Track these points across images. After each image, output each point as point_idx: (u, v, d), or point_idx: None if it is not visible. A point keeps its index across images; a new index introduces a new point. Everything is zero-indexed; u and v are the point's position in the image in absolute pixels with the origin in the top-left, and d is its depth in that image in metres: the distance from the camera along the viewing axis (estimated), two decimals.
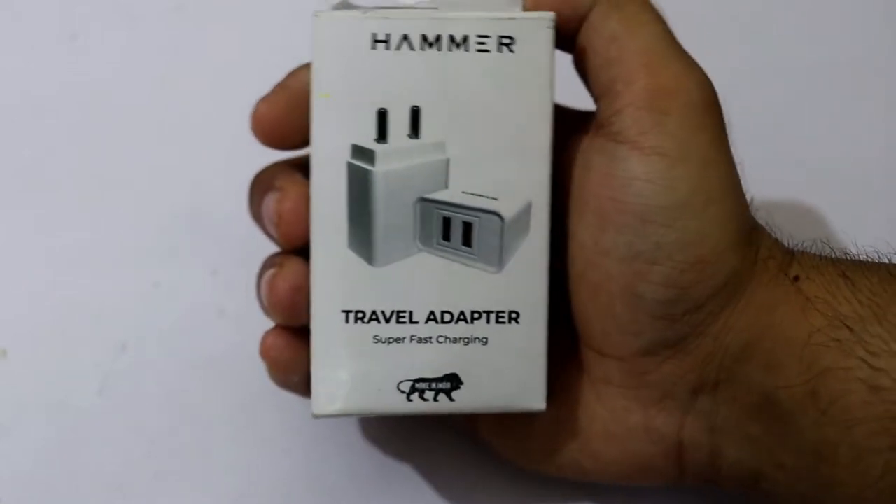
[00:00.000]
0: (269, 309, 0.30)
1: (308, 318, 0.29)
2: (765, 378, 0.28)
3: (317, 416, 0.29)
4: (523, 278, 0.29)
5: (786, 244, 0.30)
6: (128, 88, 0.41)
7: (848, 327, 0.27)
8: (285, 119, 0.30)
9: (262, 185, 0.31)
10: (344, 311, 0.29)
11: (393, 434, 0.36)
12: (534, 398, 0.29)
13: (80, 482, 0.35)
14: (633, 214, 0.28)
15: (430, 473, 0.36)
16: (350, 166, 0.28)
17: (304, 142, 0.30)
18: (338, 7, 0.29)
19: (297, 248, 0.30)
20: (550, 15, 0.28)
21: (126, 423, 0.36)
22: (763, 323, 0.29)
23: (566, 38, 0.29)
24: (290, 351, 0.30)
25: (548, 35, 0.28)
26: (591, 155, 0.29)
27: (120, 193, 0.39)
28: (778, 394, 0.28)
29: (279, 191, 0.30)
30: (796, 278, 0.29)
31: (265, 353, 0.30)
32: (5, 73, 0.41)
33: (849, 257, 0.30)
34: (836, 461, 0.27)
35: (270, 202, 0.30)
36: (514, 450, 0.33)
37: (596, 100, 0.30)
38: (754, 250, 0.29)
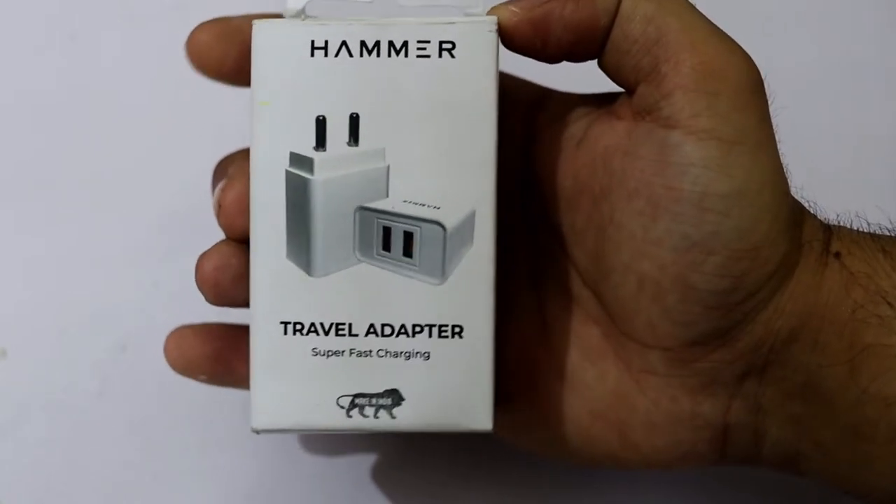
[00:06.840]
0: (198, 286, 0.30)
1: (237, 299, 0.29)
2: (811, 358, 0.28)
3: (256, 432, 0.28)
4: (467, 291, 0.28)
5: (823, 220, 0.30)
6: (128, 88, 0.41)
7: (888, 303, 0.27)
8: (215, 46, 0.30)
9: (219, 170, 0.32)
10: (283, 323, 0.28)
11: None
12: (479, 418, 0.28)
13: (80, 482, 0.36)
14: (689, 203, 0.27)
15: (425, 463, 0.36)
16: (288, 175, 0.28)
17: (235, 75, 0.31)
18: (296, 15, 0.28)
19: (240, 238, 0.30)
20: (493, 19, 0.27)
21: (126, 423, 0.36)
22: (810, 303, 0.28)
23: (595, 41, 0.29)
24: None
25: (491, 39, 0.27)
26: (637, 141, 0.28)
27: (120, 193, 0.39)
28: (822, 372, 0.28)
29: (228, 179, 0.30)
30: (837, 254, 0.28)
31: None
32: (5, 73, 0.41)
33: (885, 233, 0.29)
34: (873, 439, 0.27)
35: (218, 190, 0.30)
36: (536, 444, 0.32)
37: (634, 85, 0.29)
38: (799, 232, 0.28)
